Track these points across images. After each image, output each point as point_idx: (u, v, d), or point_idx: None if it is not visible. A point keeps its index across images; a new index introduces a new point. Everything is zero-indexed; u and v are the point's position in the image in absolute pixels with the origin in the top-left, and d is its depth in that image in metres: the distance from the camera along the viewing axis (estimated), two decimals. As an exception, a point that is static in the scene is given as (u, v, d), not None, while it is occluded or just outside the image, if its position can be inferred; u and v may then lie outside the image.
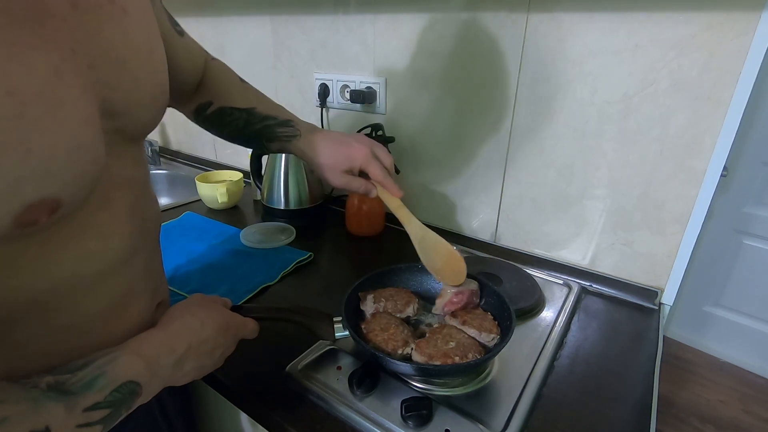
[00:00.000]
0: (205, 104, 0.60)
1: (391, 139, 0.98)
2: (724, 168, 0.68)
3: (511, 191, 0.90)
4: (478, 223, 0.97)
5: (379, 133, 0.96)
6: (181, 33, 0.55)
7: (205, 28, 1.32)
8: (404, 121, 1.00)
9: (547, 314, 0.73)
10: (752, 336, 1.67)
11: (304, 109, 1.18)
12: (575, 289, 0.79)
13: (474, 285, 0.64)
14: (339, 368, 0.58)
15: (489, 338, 0.57)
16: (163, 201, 1.39)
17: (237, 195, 1.15)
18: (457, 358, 0.52)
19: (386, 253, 0.95)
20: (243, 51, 1.26)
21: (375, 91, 1.01)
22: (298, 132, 0.61)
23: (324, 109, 1.13)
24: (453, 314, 0.61)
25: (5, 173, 0.27)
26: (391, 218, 0.63)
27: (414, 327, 0.62)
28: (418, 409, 0.49)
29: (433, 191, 1.01)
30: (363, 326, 0.59)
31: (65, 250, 0.35)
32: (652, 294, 0.78)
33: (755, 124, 1.47)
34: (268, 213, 1.11)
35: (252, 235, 0.97)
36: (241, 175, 1.19)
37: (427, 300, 0.67)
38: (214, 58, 0.63)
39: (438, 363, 0.52)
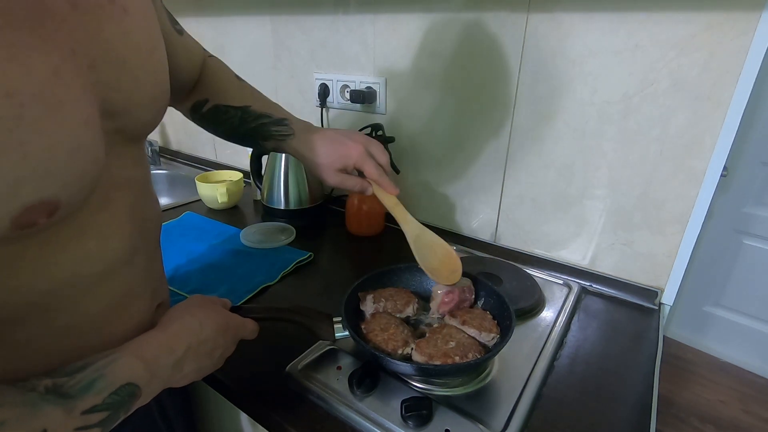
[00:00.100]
0: (201, 102, 0.60)
1: (391, 139, 0.98)
2: (724, 168, 0.68)
3: (511, 191, 0.90)
4: (478, 223, 0.97)
5: (379, 133, 0.96)
6: (181, 32, 0.55)
7: (205, 28, 1.32)
8: (404, 121, 1.00)
9: (547, 314, 0.73)
10: (752, 336, 1.67)
11: (304, 109, 1.18)
12: (575, 289, 0.79)
13: (465, 282, 0.64)
14: (339, 368, 0.58)
15: (489, 338, 0.57)
16: (163, 201, 1.39)
17: (237, 195, 1.15)
18: (457, 358, 0.52)
19: (386, 253, 0.95)
20: (243, 51, 1.26)
21: (375, 91, 1.01)
22: (292, 131, 0.60)
23: (324, 109, 1.13)
24: (453, 314, 0.61)
25: (3, 175, 0.27)
26: (391, 218, 0.63)
27: (414, 327, 0.62)
28: (418, 409, 0.49)
29: (433, 191, 1.01)
30: (363, 326, 0.59)
31: (65, 251, 0.35)
32: (652, 294, 0.78)
33: (755, 124, 1.47)
34: (268, 213, 1.11)
35: (252, 235, 0.97)
36: (241, 175, 1.19)
37: (427, 300, 0.67)
38: (211, 56, 0.63)
39: (438, 363, 0.52)
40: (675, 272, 0.77)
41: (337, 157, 0.58)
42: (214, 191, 1.09)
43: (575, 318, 0.73)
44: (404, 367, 0.52)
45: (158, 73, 0.42)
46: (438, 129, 0.95)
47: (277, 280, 0.80)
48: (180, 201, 1.20)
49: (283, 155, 1.06)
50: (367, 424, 0.50)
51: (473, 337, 0.57)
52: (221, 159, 1.51)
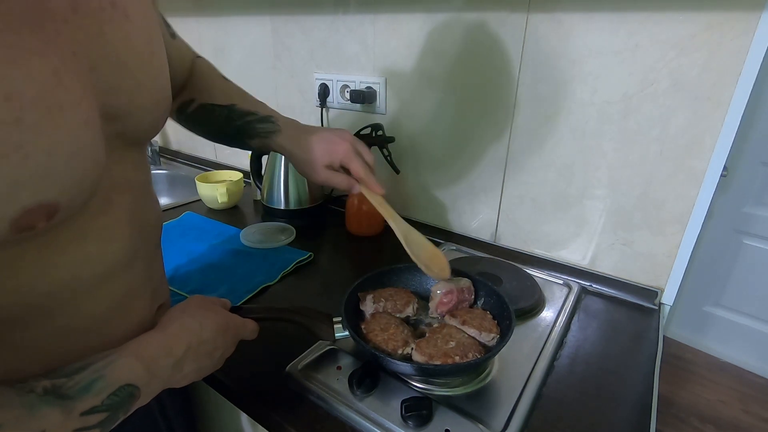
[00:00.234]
0: (187, 102, 0.60)
1: (391, 139, 0.98)
2: (724, 168, 0.68)
3: (511, 191, 0.90)
4: (478, 223, 0.97)
5: (379, 133, 0.96)
6: (174, 35, 0.55)
7: (205, 28, 1.32)
8: (404, 121, 1.00)
9: (547, 314, 0.73)
10: (752, 336, 1.67)
11: (304, 109, 1.18)
12: (575, 289, 0.79)
13: (464, 282, 0.64)
14: (339, 368, 0.58)
15: (489, 338, 0.57)
16: (163, 201, 1.39)
17: (237, 195, 1.15)
18: (457, 358, 0.52)
19: (386, 253, 0.95)
20: (243, 51, 1.26)
21: (375, 91, 1.01)
22: (278, 127, 0.60)
23: (324, 109, 1.13)
24: (452, 314, 0.61)
25: (2, 177, 0.27)
26: (391, 218, 0.62)
27: (414, 327, 0.62)
28: (418, 409, 0.49)
29: (432, 190, 1.01)
30: (363, 326, 0.59)
31: (64, 254, 0.35)
32: (652, 294, 0.78)
33: (755, 124, 1.46)
34: (268, 213, 1.11)
35: (252, 235, 0.97)
36: (241, 175, 1.19)
37: (427, 300, 0.67)
38: (198, 56, 0.63)
39: (438, 363, 0.52)
40: (675, 272, 0.77)
41: (325, 152, 0.58)
42: (214, 191, 1.09)
43: (575, 318, 0.73)
44: (404, 367, 0.52)
45: (159, 77, 0.42)
46: (438, 129, 0.95)
47: (277, 280, 0.80)
48: (180, 201, 1.20)
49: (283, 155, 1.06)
50: (367, 424, 0.50)
51: (473, 337, 0.57)
52: (221, 159, 1.51)
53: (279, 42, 1.16)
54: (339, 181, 0.59)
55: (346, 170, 0.60)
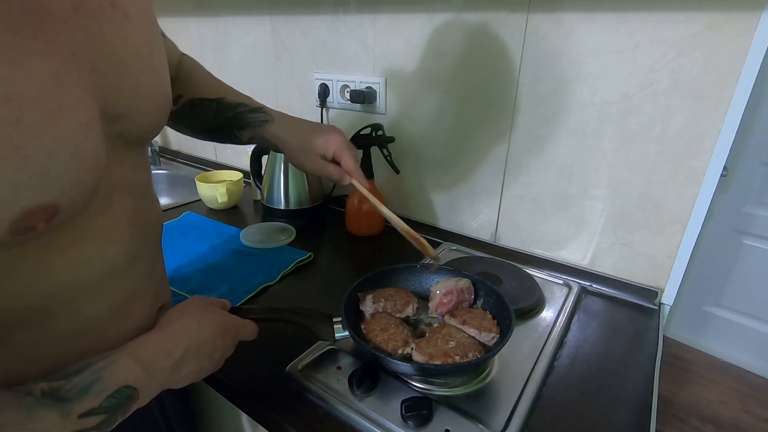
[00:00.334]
0: (175, 99, 0.59)
1: (391, 139, 0.98)
2: (724, 168, 0.68)
3: (511, 191, 0.90)
4: (478, 223, 0.97)
5: (379, 133, 0.96)
6: (163, 34, 0.55)
7: (205, 27, 1.32)
8: (404, 121, 1.00)
9: (547, 314, 0.73)
10: (752, 336, 1.67)
11: (304, 109, 1.18)
12: (575, 289, 0.79)
13: (464, 282, 0.64)
14: (339, 368, 0.58)
15: (489, 337, 0.57)
16: (163, 201, 1.39)
17: (237, 195, 1.15)
18: (457, 358, 0.52)
19: (386, 253, 0.95)
20: (243, 51, 1.26)
21: (375, 91, 1.01)
22: (270, 117, 0.61)
23: (324, 109, 1.13)
24: (452, 314, 0.61)
25: (2, 179, 0.26)
26: (391, 218, 0.62)
27: (413, 327, 0.62)
28: (418, 409, 0.49)
29: (432, 191, 1.01)
30: (363, 326, 0.59)
31: (65, 255, 0.34)
32: (652, 294, 0.78)
33: (755, 124, 1.46)
34: (268, 213, 1.11)
35: (252, 235, 0.97)
36: (241, 175, 1.19)
37: (427, 300, 0.67)
38: (184, 54, 0.63)
39: (438, 362, 0.52)
40: (675, 272, 0.77)
41: (321, 142, 0.59)
42: (214, 191, 1.09)
43: (575, 318, 0.73)
44: (404, 367, 0.52)
45: (159, 77, 0.41)
46: (438, 129, 0.95)
47: (277, 280, 0.80)
48: (180, 201, 1.20)
49: (284, 155, 1.06)
50: (367, 424, 0.50)
51: (473, 337, 0.57)
52: (221, 159, 1.51)
53: (279, 42, 1.16)
54: (331, 170, 0.60)
55: (335, 163, 0.61)
